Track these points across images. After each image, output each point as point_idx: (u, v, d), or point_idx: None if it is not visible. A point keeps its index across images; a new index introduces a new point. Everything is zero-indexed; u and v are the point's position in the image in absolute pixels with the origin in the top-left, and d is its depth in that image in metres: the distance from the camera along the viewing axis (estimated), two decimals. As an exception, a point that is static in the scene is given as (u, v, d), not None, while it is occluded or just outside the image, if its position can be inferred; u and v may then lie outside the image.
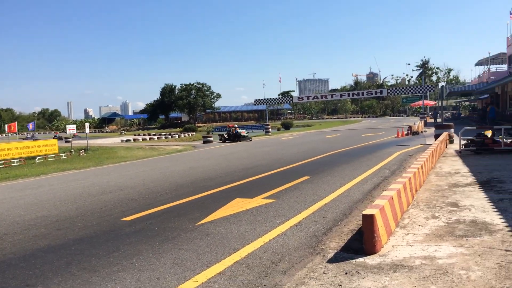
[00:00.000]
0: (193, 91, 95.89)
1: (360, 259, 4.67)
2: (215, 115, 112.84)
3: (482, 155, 13.34)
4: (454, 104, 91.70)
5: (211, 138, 31.62)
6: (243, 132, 30.85)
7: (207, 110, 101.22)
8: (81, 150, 27.45)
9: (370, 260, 4.62)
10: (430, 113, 45.96)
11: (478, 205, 6.70)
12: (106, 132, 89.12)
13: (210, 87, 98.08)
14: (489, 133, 15.94)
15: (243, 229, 6.19)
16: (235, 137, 29.90)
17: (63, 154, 25.17)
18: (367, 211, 4.88)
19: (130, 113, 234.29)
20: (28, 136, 63.74)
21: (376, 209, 4.95)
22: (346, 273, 4.31)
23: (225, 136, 30.60)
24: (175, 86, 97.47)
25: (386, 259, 4.57)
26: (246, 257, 5.01)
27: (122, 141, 43.45)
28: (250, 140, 30.47)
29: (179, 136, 49.65)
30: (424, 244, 4.96)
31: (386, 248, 4.93)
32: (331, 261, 4.76)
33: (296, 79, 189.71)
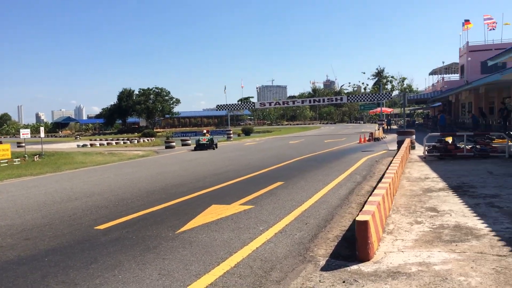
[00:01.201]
0: (152, 96, 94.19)
1: (355, 267, 4.57)
2: (174, 120, 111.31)
3: (446, 161, 13.73)
4: (408, 111, 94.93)
5: (174, 144, 31.04)
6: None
7: (166, 115, 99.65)
8: (36, 155, 26.14)
9: (365, 267, 4.53)
10: (385, 120, 47.43)
11: (457, 210, 6.80)
12: (60, 137, 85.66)
13: (169, 92, 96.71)
14: (449, 139, 16.50)
15: (227, 237, 5.97)
16: (212, 144, 26.56)
17: (17, 160, 23.88)
18: (361, 217, 4.80)
19: (85, 117, 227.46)
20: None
21: (369, 215, 4.88)
22: (344, 282, 4.19)
23: (201, 142, 26.42)
24: (133, 91, 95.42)
25: (381, 266, 4.50)
26: (236, 266, 4.81)
27: (78, 146, 41.85)
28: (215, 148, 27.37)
29: (138, 142, 48.50)
30: (416, 250, 4.94)
31: (379, 254, 4.86)
32: (324, 269, 4.63)
33: (259, 86, 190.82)
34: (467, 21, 45.69)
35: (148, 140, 52.10)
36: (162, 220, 7.13)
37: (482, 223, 5.89)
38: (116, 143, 46.13)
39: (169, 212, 7.71)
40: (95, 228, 6.74)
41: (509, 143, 14.60)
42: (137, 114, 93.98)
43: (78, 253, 5.46)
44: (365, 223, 4.72)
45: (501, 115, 26.83)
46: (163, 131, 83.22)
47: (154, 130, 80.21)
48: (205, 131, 29.81)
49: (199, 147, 26.24)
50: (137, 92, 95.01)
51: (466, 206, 7.02)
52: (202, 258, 5.12)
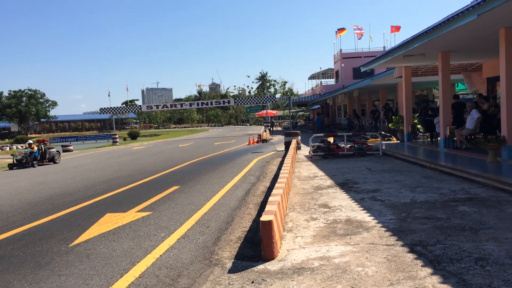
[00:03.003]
0: (25, 98, 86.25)
1: (261, 266, 4.71)
2: (51, 124, 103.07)
3: (330, 159, 14.77)
4: (291, 114, 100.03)
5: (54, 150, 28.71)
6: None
7: (42, 120, 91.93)
8: None
9: (270, 266, 4.69)
10: (269, 122, 49.63)
11: (345, 205, 7.37)
12: None
13: (44, 94, 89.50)
14: (331, 139, 17.78)
15: (127, 246, 5.73)
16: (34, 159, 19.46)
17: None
18: (265, 218, 4.96)
19: None
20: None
21: (272, 215, 5.06)
22: (253, 282, 4.30)
23: (16, 157, 19.32)
24: (1, 93, 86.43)
25: (286, 264, 4.70)
26: (141, 277, 4.64)
27: None
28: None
29: (10, 149, 44.03)
30: (315, 245, 5.25)
31: (282, 252, 5.07)
32: (231, 271, 4.70)
33: (143, 88, 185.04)
34: (340, 29, 49.63)
35: (22, 146, 47.50)
36: (52, 233, 6.59)
37: (369, 216, 6.46)
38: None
39: (58, 224, 7.15)
40: (-28, 248, 5.99)
41: (382, 142, 16.21)
42: (8, 118, 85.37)
43: (-45, 277, 4.81)
44: (269, 223, 4.89)
45: (373, 116, 29.64)
46: (39, 137, 76.49)
47: (29, 135, 73.55)
48: (30, 141, 20.74)
49: (16, 165, 19.11)
50: (7, 95, 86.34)
51: (353, 201, 7.64)
52: (103, 271, 4.85)
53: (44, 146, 20.75)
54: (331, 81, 54.55)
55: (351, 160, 14.13)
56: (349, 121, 34.82)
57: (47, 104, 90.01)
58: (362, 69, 20.40)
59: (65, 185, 11.90)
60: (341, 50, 46.33)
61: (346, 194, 8.30)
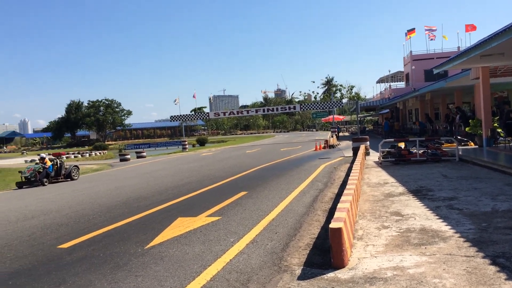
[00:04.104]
0: (102, 107, 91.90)
1: (331, 274, 4.63)
2: (126, 132, 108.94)
3: (401, 166, 14.24)
4: (359, 118, 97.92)
5: (129, 156, 30.34)
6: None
7: (118, 128, 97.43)
8: (-21, 172, 24.74)
9: (341, 274, 4.60)
10: (336, 128, 48.79)
11: (419, 213, 7.06)
12: (5, 152, 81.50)
13: (120, 103, 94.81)
14: (402, 145, 17.15)
15: (198, 250, 5.89)
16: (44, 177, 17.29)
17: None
18: (334, 225, 4.88)
19: (31, 131, 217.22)
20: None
21: (341, 222, 4.97)
22: (323, 289, 4.24)
23: (25, 175, 17.09)
24: (82, 103, 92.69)
25: (357, 272, 4.58)
26: (212, 280, 4.74)
27: (26, 161, 39.95)
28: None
29: (89, 155, 47.07)
30: (388, 254, 5.07)
31: (353, 261, 4.96)
32: (301, 278, 4.66)
33: (210, 95, 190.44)
34: (410, 30, 47.83)
35: (100, 153, 50.63)
36: (129, 235, 6.93)
37: (446, 225, 6.14)
38: (66, 157, 44.44)
39: (134, 227, 7.51)
40: (58, 247, 6.45)
41: (458, 147, 15.37)
42: (87, 126, 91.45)
43: (44, 274, 5.20)
44: (339, 230, 4.80)
45: (447, 120, 28.20)
46: (115, 144, 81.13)
47: (106, 142, 78.12)
48: (43, 155, 18.29)
49: (24, 182, 16.98)
50: (86, 104, 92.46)
51: (427, 209, 7.30)
52: (176, 273, 5.02)
53: (60, 160, 18.68)
54: (401, 84, 52.78)
55: (424, 166, 13.53)
56: (422, 126, 33.37)
57: (123, 113, 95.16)
58: (435, 71, 19.48)
59: (139, 190, 12.48)
60: (411, 51, 44.68)
61: (419, 202, 7.95)
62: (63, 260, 5.78)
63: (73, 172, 18.23)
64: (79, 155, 47.25)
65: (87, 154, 47.74)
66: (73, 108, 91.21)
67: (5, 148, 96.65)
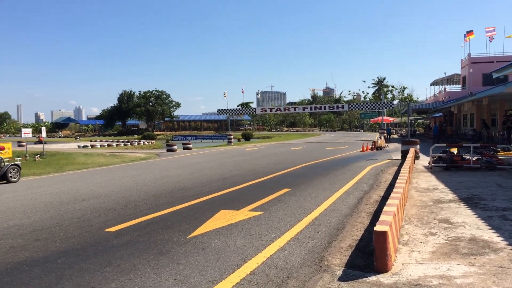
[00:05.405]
0: (152, 98, 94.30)
1: (373, 278, 4.51)
2: (174, 123, 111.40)
3: (453, 172, 13.69)
4: (409, 121, 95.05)
5: (175, 147, 30.94)
6: None
7: (166, 119, 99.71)
8: (37, 155, 26.06)
9: (384, 278, 4.47)
10: (385, 129, 47.47)
11: (470, 222, 6.75)
12: (60, 137, 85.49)
13: (169, 95, 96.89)
14: (455, 150, 16.46)
15: (239, 243, 5.91)
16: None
17: (18, 159, 23.75)
18: (379, 228, 4.75)
19: (84, 118, 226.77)
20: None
21: (386, 226, 4.83)
22: (364, 292, 4.14)
23: None
24: (133, 93, 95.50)
25: (401, 278, 4.44)
26: (252, 274, 4.75)
27: (78, 146, 41.77)
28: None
29: (138, 144, 48.44)
30: (434, 262, 4.88)
31: (397, 266, 4.81)
32: (342, 279, 4.57)
33: (258, 91, 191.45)
34: (469, 32, 45.78)
35: (148, 142, 52.01)
36: (172, 224, 7.07)
37: (498, 236, 5.84)
38: (116, 144, 46.04)
39: (178, 216, 7.65)
40: (105, 230, 6.68)
41: (515, 156, 14.57)
42: (137, 116, 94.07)
43: (91, 255, 5.40)
44: (383, 234, 4.67)
45: (504, 127, 26.83)
46: (163, 134, 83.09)
47: (154, 132, 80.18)
48: None
49: None
50: (138, 94, 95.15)
51: (479, 218, 6.97)
52: (217, 264, 5.06)
53: None
54: (457, 88, 50.68)
55: (478, 174, 12.93)
56: (478, 133, 31.88)
57: (172, 105, 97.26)
58: (495, 75, 18.59)
59: (184, 181, 12.71)
60: (469, 54, 42.80)
61: (470, 211, 7.60)
62: (110, 243, 5.97)
63: (11, 173, 14.05)
64: (128, 143, 48.78)
65: (136, 143, 49.19)
66: (125, 97, 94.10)
67: (60, 133, 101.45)
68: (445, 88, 50.40)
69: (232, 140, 42.09)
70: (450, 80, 54.40)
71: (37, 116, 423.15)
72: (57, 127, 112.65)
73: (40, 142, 38.91)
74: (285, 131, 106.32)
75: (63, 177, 14.66)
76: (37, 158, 24.95)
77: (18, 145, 37.18)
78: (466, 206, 7.99)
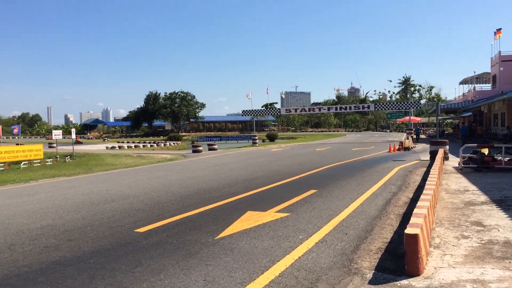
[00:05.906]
0: (178, 99, 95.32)
1: (405, 281, 4.44)
2: (199, 124, 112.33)
3: (483, 173, 13.35)
4: (438, 121, 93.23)
5: (201, 148, 31.19)
6: None
7: (191, 120, 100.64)
8: (67, 156, 26.73)
9: (415, 282, 4.39)
10: (413, 130, 46.58)
11: (504, 225, 6.57)
12: (89, 138, 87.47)
13: (194, 96, 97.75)
14: (485, 151, 16.03)
15: (267, 245, 5.91)
16: None
17: (49, 160, 24.44)
18: (410, 230, 4.67)
19: (112, 120, 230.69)
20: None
21: (417, 228, 4.74)
22: (395, 296, 4.07)
23: None
24: (159, 94, 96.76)
25: (433, 282, 4.35)
26: (280, 276, 4.74)
27: (107, 148, 42.61)
28: None
29: (164, 145, 49.02)
30: (467, 266, 4.77)
31: (429, 269, 4.72)
32: (372, 282, 4.52)
33: (282, 92, 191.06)
34: (498, 30, 44.58)
35: (174, 143, 52.61)
36: (200, 225, 7.12)
37: (534, 240, 5.66)
38: (143, 145, 46.71)
39: (205, 217, 7.70)
40: (135, 231, 6.79)
41: (550, 157, 14.10)
42: (163, 117, 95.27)
43: (122, 256, 5.49)
44: (415, 236, 4.59)
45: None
46: (188, 135, 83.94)
47: (180, 133, 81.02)
48: None
49: None
50: (163, 96, 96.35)
51: (513, 221, 6.77)
52: (245, 265, 5.07)
53: None
54: (487, 87, 49.41)
55: (510, 176, 12.57)
56: (510, 132, 30.96)
57: (197, 106, 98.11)
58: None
59: (211, 182, 12.79)
60: (500, 52, 41.66)
61: (504, 213, 7.40)
62: (139, 243, 6.06)
63: None
64: (155, 144, 49.41)
65: (162, 144, 49.79)
66: (151, 99, 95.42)
67: (89, 134, 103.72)
68: (474, 87, 49.18)
69: (257, 140, 42.14)
70: (479, 79, 53.10)
71: (66, 118, 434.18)
72: (86, 128, 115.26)
73: (78, 143, 40.01)
74: (310, 131, 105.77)
75: (93, 178, 14.98)
76: (67, 159, 25.59)
77: (49, 147, 38.17)
78: (499, 208, 7.78)
